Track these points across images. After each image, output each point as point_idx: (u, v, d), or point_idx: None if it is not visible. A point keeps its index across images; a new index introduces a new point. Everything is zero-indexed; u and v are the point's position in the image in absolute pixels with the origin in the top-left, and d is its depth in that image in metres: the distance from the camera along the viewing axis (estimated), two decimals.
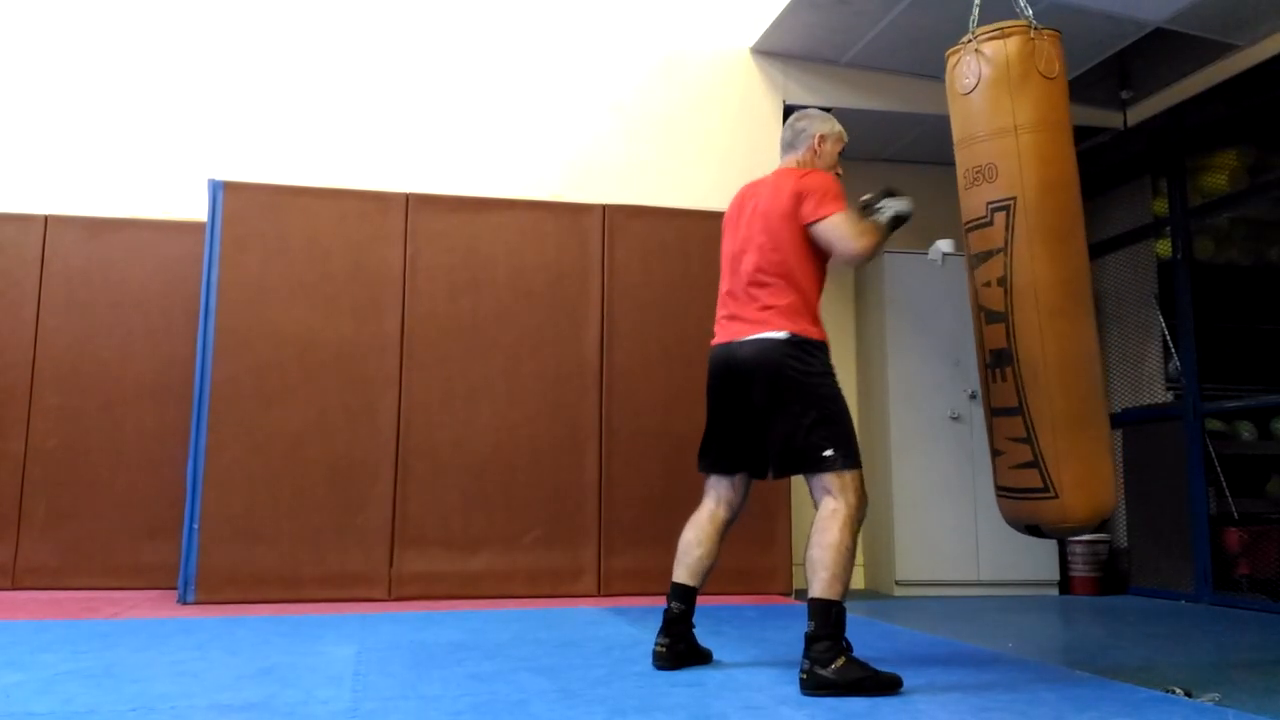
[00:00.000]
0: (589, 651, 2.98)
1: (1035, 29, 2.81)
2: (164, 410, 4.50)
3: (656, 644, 2.73)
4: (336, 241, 4.44)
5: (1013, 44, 2.80)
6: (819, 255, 2.71)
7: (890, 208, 2.71)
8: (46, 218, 4.61)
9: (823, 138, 2.86)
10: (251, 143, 4.80)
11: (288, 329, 4.34)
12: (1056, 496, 2.69)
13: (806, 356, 2.62)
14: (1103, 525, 5.19)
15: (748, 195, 2.88)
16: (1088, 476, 2.69)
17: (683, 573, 2.77)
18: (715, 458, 2.82)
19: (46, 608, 3.85)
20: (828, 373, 2.65)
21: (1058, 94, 2.81)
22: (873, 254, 2.66)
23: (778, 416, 2.61)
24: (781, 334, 2.63)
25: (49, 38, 4.82)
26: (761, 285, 2.69)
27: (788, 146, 2.91)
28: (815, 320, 2.68)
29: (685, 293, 4.69)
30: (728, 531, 2.83)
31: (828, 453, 2.54)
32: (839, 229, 2.62)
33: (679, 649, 2.72)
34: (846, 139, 2.93)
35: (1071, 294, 2.74)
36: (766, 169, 5.03)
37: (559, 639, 3.22)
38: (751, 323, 2.68)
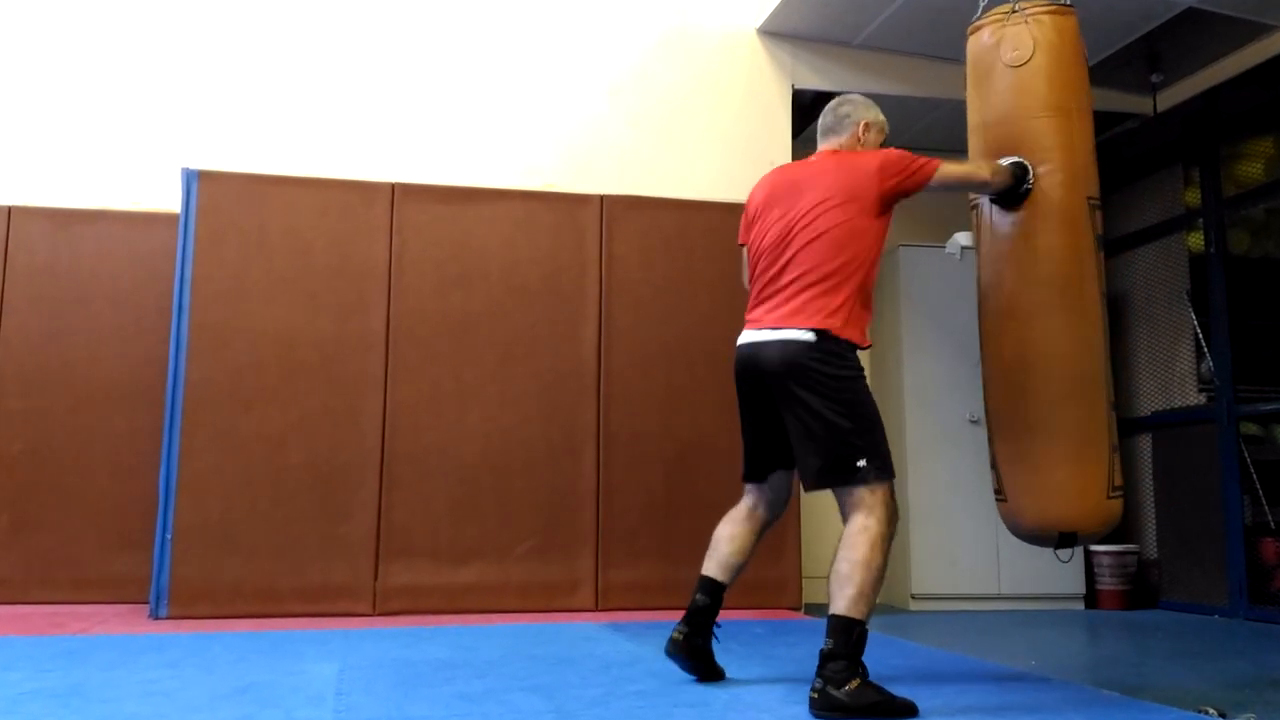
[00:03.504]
0: (585, 669, 2.98)
1: (1016, 9, 2.87)
2: (135, 413, 4.50)
3: (675, 630, 2.74)
4: (318, 234, 4.44)
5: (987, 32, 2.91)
6: (877, 246, 2.69)
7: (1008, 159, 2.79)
8: (10, 209, 4.60)
9: (867, 125, 2.84)
10: (228, 129, 4.80)
11: (266, 327, 4.33)
12: (1005, 500, 2.85)
13: (838, 359, 2.59)
14: (1126, 535, 5.19)
15: (787, 180, 2.82)
16: (1036, 483, 2.75)
17: (712, 566, 2.79)
18: (751, 466, 2.84)
19: (10, 623, 3.85)
20: (860, 376, 2.62)
21: (1027, 81, 2.83)
22: (1006, 184, 2.77)
23: (807, 423, 2.58)
24: (809, 334, 2.59)
25: (11, 19, 4.81)
26: (807, 278, 2.63)
27: (828, 131, 2.88)
28: (857, 319, 2.64)
29: (688, 289, 4.69)
30: (765, 532, 2.86)
31: (861, 463, 2.53)
32: (959, 168, 2.76)
33: (696, 642, 2.73)
34: (888, 131, 2.91)
35: (1035, 296, 2.76)
36: (774, 156, 5.08)
37: (554, 656, 3.22)
38: (783, 320, 2.64)
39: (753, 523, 2.82)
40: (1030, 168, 2.78)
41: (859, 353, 2.66)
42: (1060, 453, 2.72)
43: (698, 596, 2.76)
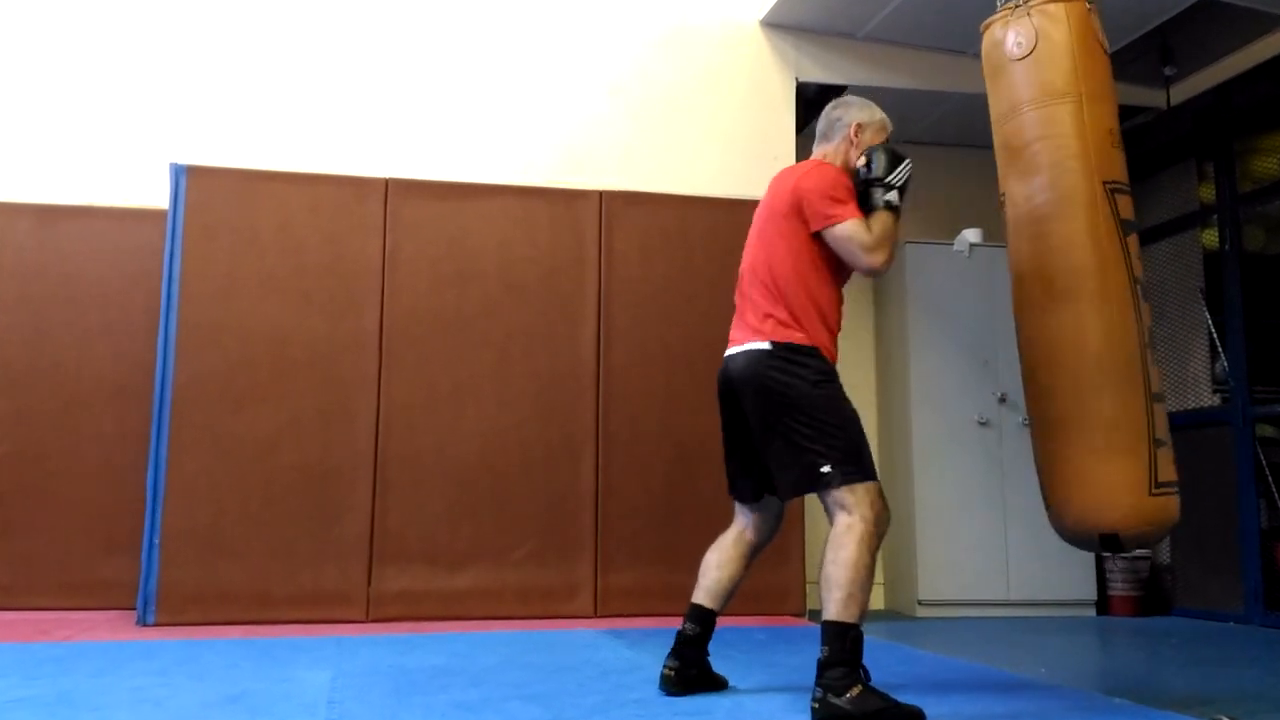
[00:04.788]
0: (584, 677, 2.98)
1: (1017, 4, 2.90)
2: (123, 414, 4.50)
3: (665, 666, 2.75)
4: (310, 231, 4.44)
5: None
6: (828, 256, 2.68)
7: (897, 182, 2.66)
8: None
9: (860, 127, 2.82)
10: (217, 123, 4.80)
11: (257, 326, 4.33)
12: (1050, 505, 2.83)
13: (791, 365, 2.60)
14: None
15: (768, 189, 2.89)
16: (1067, 481, 2.74)
17: (701, 594, 2.80)
18: (733, 483, 2.85)
19: None
20: (822, 380, 2.60)
21: (1032, 71, 2.86)
22: (892, 261, 2.65)
23: (768, 434, 2.62)
24: (764, 344, 2.64)
25: None
26: (760, 290, 2.71)
27: (821, 137, 2.90)
28: (814, 327, 2.64)
29: (688, 286, 4.70)
30: (756, 556, 2.85)
31: (825, 469, 2.53)
32: (854, 239, 2.60)
33: (689, 674, 2.74)
34: (890, 129, 2.89)
35: (1054, 286, 2.77)
36: (776, 151, 5.10)
37: (552, 663, 3.23)
38: (745, 333, 2.72)
39: (741, 547, 2.82)
40: (872, 177, 2.69)
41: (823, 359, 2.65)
42: (1089, 447, 2.69)
43: (687, 626, 2.77)
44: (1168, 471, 2.71)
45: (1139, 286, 2.77)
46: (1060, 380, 2.76)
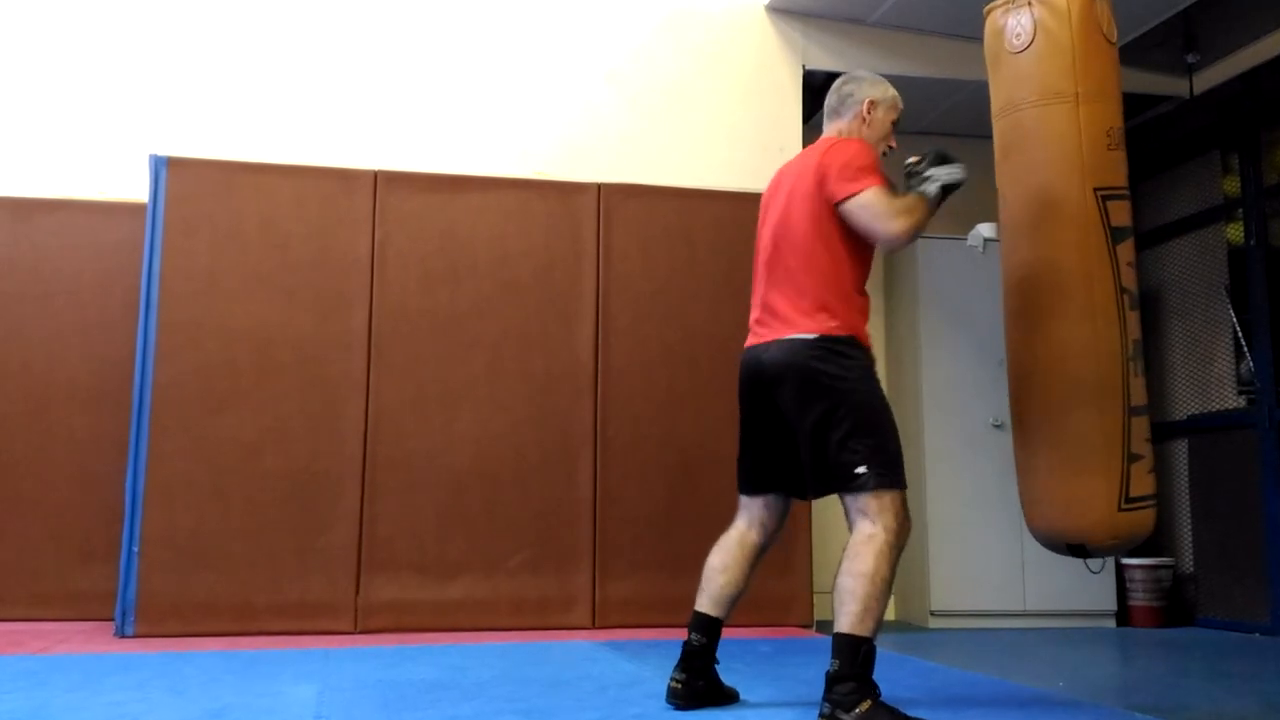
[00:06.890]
0: (582, 691, 2.98)
1: None
2: (100, 417, 4.50)
3: (672, 679, 2.74)
4: (296, 225, 4.44)
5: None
6: (857, 240, 2.69)
7: (939, 177, 2.68)
8: None
9: (873, 103, 2.85)
10: (199, 113, 4.80)
11: (240, 324, 4.33)
12: (1024, 509, 2.93)
13: (839, 358, 2.60)
14: (1161, 548, 5.19)
15: (782, 175, 2.89)
16: (1038, 491, 2.83)
17: (705, 601, 2.79)
18: (746, 475, 2.84)
19: None
20: (866, 377, 2.63)
21: (1027, 67, 2.87)
22: (914, 236, 2.63)
23: (806, 428, 2.61)
24: (809, 334, 2.63)
25: None
26: (791, 278, 2.70)
27: (832, 113, 2.91)
28: (852, 316, 2.66)
29: (691, 283, 4.69)
30: (761, 557, 2.85)
31: (859, 470, 2.53)
32: (871, 207, 2.59)
33: (697, 686, 2.73)
34: (901, 106, 2.91)
35: (1037, 296, 2.80)
36: (783, 141, 5.08)
37: (548, 677, 3.23)
38: (780, 322, 2.70)
39: (745, 549, 2.81)
40: (919, 171, 2.71)
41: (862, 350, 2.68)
42: (1061, 460, 2.77)
43: (693, 637, 2.76)
44: (1142, 486, 2.77)
45: (1127, 296, 2.80)
46: (1038, 392, 2.81)
